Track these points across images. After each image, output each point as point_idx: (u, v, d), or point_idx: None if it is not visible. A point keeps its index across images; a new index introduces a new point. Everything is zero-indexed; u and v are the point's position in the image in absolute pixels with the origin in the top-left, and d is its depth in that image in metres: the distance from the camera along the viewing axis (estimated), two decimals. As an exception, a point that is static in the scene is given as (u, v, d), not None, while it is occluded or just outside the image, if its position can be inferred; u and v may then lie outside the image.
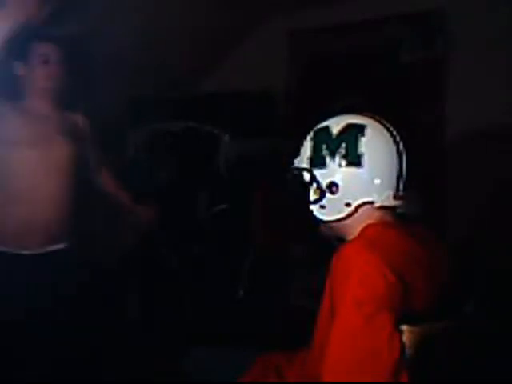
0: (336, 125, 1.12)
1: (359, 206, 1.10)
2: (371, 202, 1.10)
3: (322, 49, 3.19)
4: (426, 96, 2.88)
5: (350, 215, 1.11)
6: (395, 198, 1.09)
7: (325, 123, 1.15)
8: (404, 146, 1.12)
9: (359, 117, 1.12)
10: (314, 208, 1.14)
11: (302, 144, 1.19)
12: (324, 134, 1.13)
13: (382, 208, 1.11)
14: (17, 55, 1.83)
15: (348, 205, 1.10)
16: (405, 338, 0.98)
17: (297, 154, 1.20)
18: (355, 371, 0.93)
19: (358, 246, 1.02)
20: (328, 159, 1.10)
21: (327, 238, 1.22)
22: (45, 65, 1.85)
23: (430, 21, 2.81)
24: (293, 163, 1.21)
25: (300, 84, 3.26)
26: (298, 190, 1.17)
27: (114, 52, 2.45)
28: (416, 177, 1.17)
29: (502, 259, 2.26)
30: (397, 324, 0.96)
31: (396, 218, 1.15)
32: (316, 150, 1.13)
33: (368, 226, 1.10)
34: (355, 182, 1.09)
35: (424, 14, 2.82)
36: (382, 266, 0.97)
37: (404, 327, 0.99)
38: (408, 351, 0.98)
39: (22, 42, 1.83)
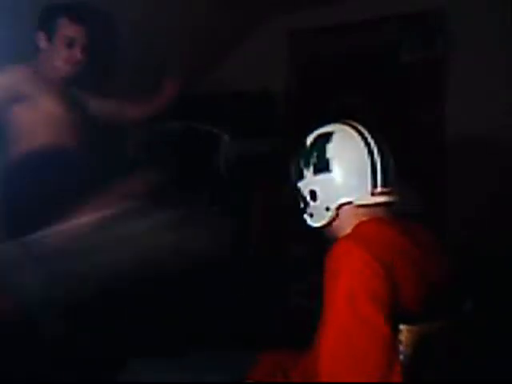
0: (309, 138, 1.21)
1: (338, 208, 1.15)
2: (349, 203, 1.14)
3: (321, 49, 3.19)
4: (426, 96, 2.88)
5: (334, 219, 1.17)
6: (373, 194, 1.13)
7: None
8: (381, 145, 1.14)
9: (332, 125, 1.19)
10: (306, 216, 1.23)
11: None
12: (301, 149, 1.22)
13: (367, 206, 1.14)
14: (42, 25, 1.78)
15: (327, 209, 1.16)
16: (403, 337, 0.98)
17: (295, 154, 1.25)
18: (348, 368, 0.93)
19: (348, 242, 1.05)
20: (305, 170, 1.19)
21: (328, 239, 1.23)
22: (68, 48, 1.78)
23: (430, 21, 2.81)
24: (292, 164, 1.26)
25: (300, 84, 3.26)
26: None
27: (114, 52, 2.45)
28: (415, 176, 1.18)
29: (501, 259, 2.26)
30: (390, 320, 0.95)
31: (391, 215, 1.17)
32: (296, 164, 1.23)
33: (359, 224, 1.13)
34: (328, 186, 1.15)
35: (424, 13, 2.82)
36: (372, 261, 0.98)
37: (402, 326, 0.99)
38: (406, 350, 0.98)
39: (50, 15, 1.79)
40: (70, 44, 1.78)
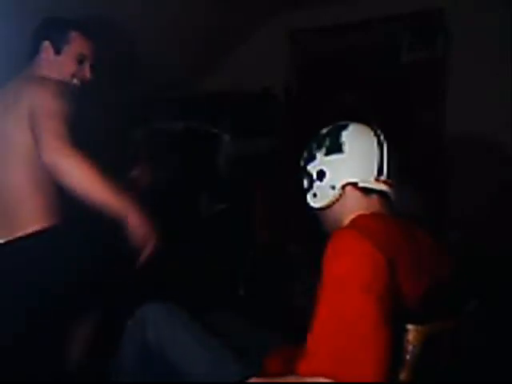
0: (326, 128, 1.26)
1: (343, 187, 1.19)
2: (353, 183, 1.18)
3: (322, 49, 3.19)
4: (426, 96, 2.88)
5: (337, 200, 1.20)
6: (377, 181, 1.18)
7: None
8: (387, 142, 1.21)
9: (347, 122, 1.25)
10: (308, 198, 1.26)
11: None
12: (316, 136, 1.27)
13: (368, 195, 1.18)
14: (50, 36, 1.71)
15: (333, 187, 1.20)
16: (411, 336, 1.00)
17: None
18: (333, 349, 0.94)
19: (349, 231, 1.07)
20: (317, 153, 1.24)
21: (326, 235, 1.23)
22: (79, 64, 1.73)
23: (430, 21, 2.82)
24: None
25: (300, 84, 3.26)
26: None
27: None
28: (415, 176, 1.20)
29: (502, 259, 2.27)
30: (384, 310, 0.95)
31: (389, 211, 1.20)
32: (308, 148, 1.28)
33: (358, 216, 1.16)
34: (337, 165, 1.20)
35: (424, 13, 2.82)
36: (374, 249, 0.99)
37: (410, 326, 1.00)
38: (414, 350, 1.00)
39: (63, 27, 1.73)
40: (81, 60, 1.74)
